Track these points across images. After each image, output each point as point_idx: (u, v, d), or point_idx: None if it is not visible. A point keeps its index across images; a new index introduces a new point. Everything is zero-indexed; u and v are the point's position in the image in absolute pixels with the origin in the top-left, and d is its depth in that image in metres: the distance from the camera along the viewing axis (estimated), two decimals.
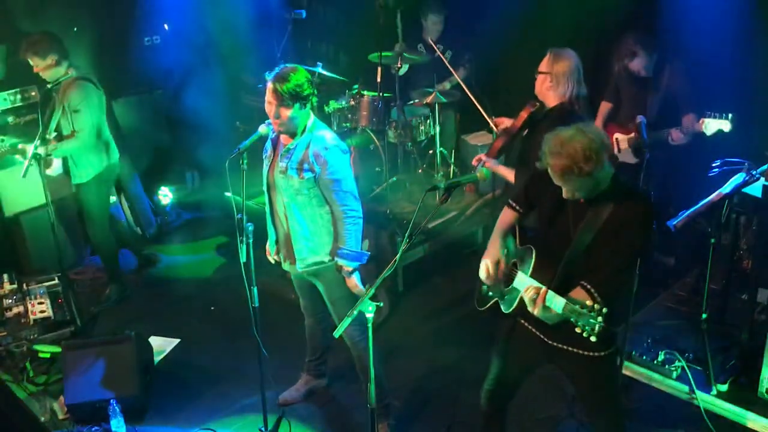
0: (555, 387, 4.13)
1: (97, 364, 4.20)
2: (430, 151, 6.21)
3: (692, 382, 3.73)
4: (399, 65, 5.85)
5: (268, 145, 3.73)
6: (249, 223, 3.42)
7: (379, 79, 5.78)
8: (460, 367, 4.49)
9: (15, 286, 5.08)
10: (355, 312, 2.85)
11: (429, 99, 5.88)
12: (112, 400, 4.02)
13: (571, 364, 3.04)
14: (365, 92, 5.95)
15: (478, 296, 3.31)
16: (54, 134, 4.93)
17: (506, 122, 4.20)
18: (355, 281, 3.69)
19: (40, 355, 4.63)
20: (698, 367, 3.81)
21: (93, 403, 4.09)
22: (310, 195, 3.61)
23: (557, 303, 2.72)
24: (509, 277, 3.06)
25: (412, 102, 6.18)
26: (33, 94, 5.69)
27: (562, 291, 2.75)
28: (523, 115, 3.92)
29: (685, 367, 3.80)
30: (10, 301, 4.94)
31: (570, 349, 2.95)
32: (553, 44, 3.91)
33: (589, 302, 2.64)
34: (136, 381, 4.20)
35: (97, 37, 6.11)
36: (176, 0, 6.49)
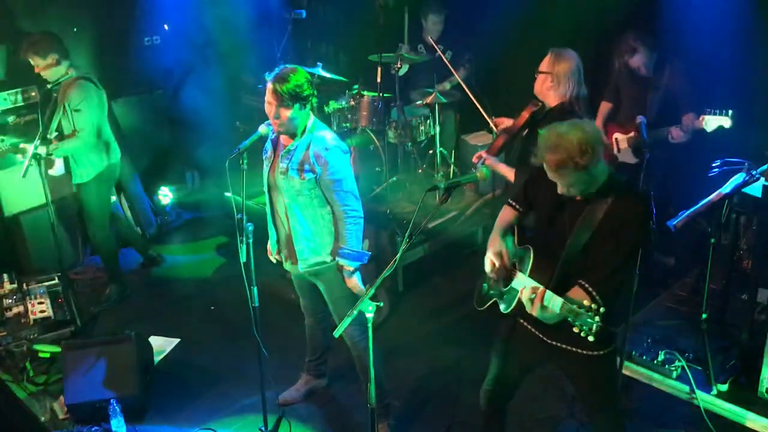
0: (555, 387, 4.13)
1: (97, 364, 4.20)
2: (430, 151, 6.21)
3: (692, 382, 3.73)
4: (399, 65, 5.86)
5: (268, 145, 3.73)
6: (249, 223, 3.42)
7: (379, 79, 5.78)
8: (460, 367, 4.49)
9: (15, 285, 5.09)
10: (355, 312, 2.85)
11: (429, 99, 5.88)
12: (112, 400, 4.03)
13: (570, 363, 3.04)
14: (365, 92, 5.95)
15: (477, 296, 3.31)
16: (55, 134, 4.94)
17: (506, 122, 4.20)
18: (355, 281, 3.69)
19: (40, 355, 4.62)
20: (698, 367, 3.81)
21: (93, 403, 4.09)
22: (311, 195, 3.61)
23: (555, 303, 2.72)
24: (508, 277, 3.06)
25: (413, 103, 6.19)
26: (33, 94, 5.70)
27: (561, 291, 2.76)
28: (525, 114, 3.92)
29: (685, 367, 3.80)
30: (10, 301, 4.95)
31: (569, 348, 2.95)
32: (553, 44, 3.91)
33: (586, 302, 2.64)
34: (136, 381, 4.20)
35: (97, 37, 6.12)
36: (176, 0, 6.49)
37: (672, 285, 4.75)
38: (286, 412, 4.07)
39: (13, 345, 4.63)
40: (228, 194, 6.04)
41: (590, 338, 2.60)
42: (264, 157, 3.74)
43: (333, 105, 6.00)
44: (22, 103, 5.68)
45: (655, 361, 3.87)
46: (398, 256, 2.88)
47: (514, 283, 3.01)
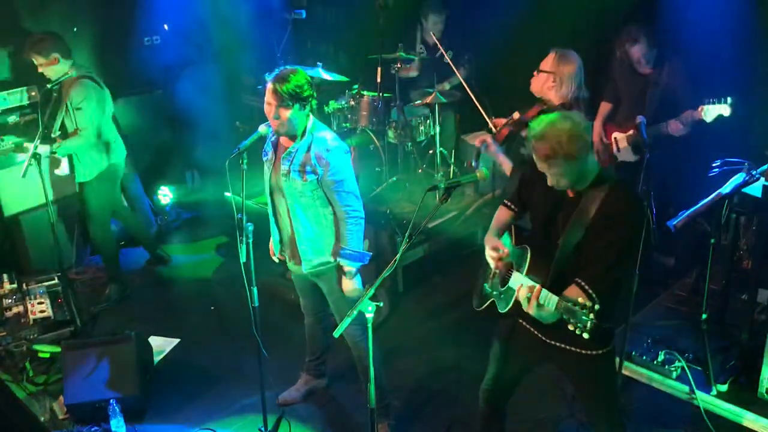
0: (555, 387, 4.13)
1: (97, 364, 4.20)
2: (430, 151, 6.21)
3: (692, 382, 3.73)
4: (399, 66, 5.86)
5: (269, 147, 3.72)
6: (249, 223, 3.42)
7: (379, 79, 5.78)
8: (460, 367, 4.49)
9: (15, 286, 5.09)
10: (355, 312, 2.85)
11: (429, 99, 5.88)
12: (111, 400, 4.02)
13: (569, 363, 3.04)
14: (365, 92, 5.95)
15: (476, 296, 3.31)
16: (58, 133, 4.98)
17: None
18: (354, 284, 3.69)
19: (40, 355, 4.62)
20: (698, 367, 3.81)
21: (93, 403, 4.09)
22: (313, 197, 3.61)
23: (551, 301, 2.73)
24: (505, 277, 3.07)
25: (413, 103, 6.19)
26: (33, 94, 5.70)
27: (557, 289, 2.76)
28: (536, 109, 3.91)
29: (685, 367, 3.80)
30: (10, 301, 4.95)
31: (568, 348, 2.95)
32: (553, 44, 3.91)
33: (581, 299, 2.64)
34: (136, 381, 4.20)
35: (97, 36, 6.13)
36: (176, 0, 6.49)
37: (672, 285, 4.75)
38: (285, 412, 4.07)
39: (13, 345, 4.63)
40: (228, 194, 6.06)
41: (585, 335, 2.59)
42: (264, 159, 3.74)
43: (333, 105, 6.01)
44: (27, 102, 5.69)
45: (655, 362, 3.87)
46: (398, 256, 2.88)
47: (512, 283, 3.01)
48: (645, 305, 4.46)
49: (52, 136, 4.94)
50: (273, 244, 3.92)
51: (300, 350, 4.41)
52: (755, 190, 3.75)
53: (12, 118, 5.62)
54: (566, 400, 4.08)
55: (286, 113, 3.44)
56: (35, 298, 4.92)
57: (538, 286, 2.78)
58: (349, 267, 3.66)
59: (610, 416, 3.14)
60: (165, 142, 6.80)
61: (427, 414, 4.21)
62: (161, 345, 4.92)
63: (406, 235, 2.88)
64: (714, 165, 3.83)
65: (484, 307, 3.22)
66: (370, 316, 2.86)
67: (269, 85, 3.43)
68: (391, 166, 5.99)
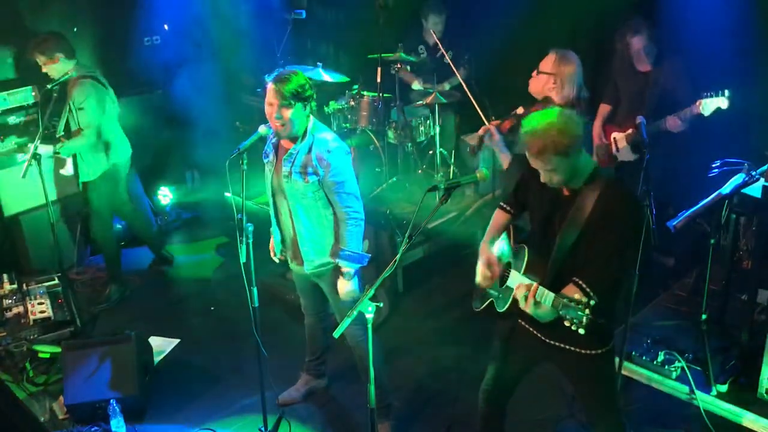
0: (555, 387, 4.12)
1: (97, 364, 4.21)
2: (430, 152, 6.22)
3: (692, 382, 3.73)
4: (399, 67, 5.86)
5: (269, 149, 3.72)
6: (249, 223, 3.42)
7: (379, 80, 5.78)
8: (460, 367, 4.49)
9: (15, 286, 5.09)
10: (355, 312, 2.85)
11: (429, 99, 5.88)
12: (111, 400, 4.02)
13: (569, 363, 3.04)
14: (365, 92, 5.95)
15: (475, 297, 3.31)
16: (62, 133, 5.03)
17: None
18: (351, 286, 3.69)
19: (40, 355, 4.62)
20: (698, 368, 3.81)
21: (93, 404, 4.10)
22: (315, 198, 3.61)
23: (547, 298, 2.73)
24: (503, 277, 3.08)
25: (413, 103, 6.19)
26: (33, 94, 5.70)
27: (555, 289, 2.76)
28: (540, 107, 3.91)
29: (685, 368, 3.79)
30: (10, 301, 4.95)
31: (568, 347, 2.95)
32: (554, 44, 3.91)
33: (577, 296, 2.65)
34: (136, 381, 4.20)
35: (97, 37, 6.13)
36: (176, 0, 6.50)
37: (672, 285, 4.74)
38: (285, 413, 4.07)
39: (13, 345, 4.63)
40: (228, 194, 6.06)
41: (581, 331, 2.59)
42: (265, 161, 3.73)
43: (333, 105, 6.01)
44: (32, 101, 5.69)
45: (655, 362, 3.86)
46: (398, 256, 2.88)
47: (510, 282, 3.02)
48: (645, 305, 4.45)
49: (57, 135, 5.01)
50: (274, 245, 3.92)
51: (300, 350, 4.41)
52: (755, 190, 3.75)
53: (12, 119, 5.61)
54: (566, 400, 4.08)
55: (289, 113, 3.44)
56: (35, 299, 4.92)
57: (535, 284, 2.79)
58: (347, 268, 3.66)
59: (610, 416, 3.14)
60: (165, 142, 6.80)
61: (427, 414, 4.21)
62: (161, 345, 4.92)
63: (406, 235, 2.88)
64: (714, 165, 3.83)
65: (483, 307, 3.23)
66: (370, 316, 2.86)
67: (270, 86, 3.43)
68: (391, 167, 5.99)
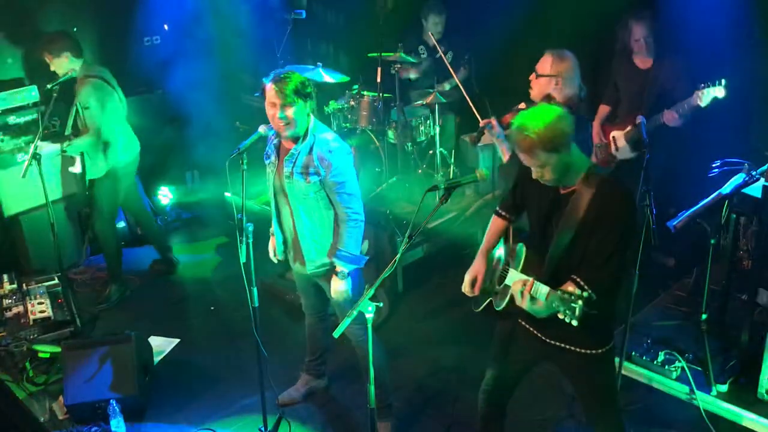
0: (555, 387, 4.12)
1: (97, 364, 4.21)
2: (430, 152, 6.21)
3: (692, 382, 3.73)
4: (399, 67, 5.86)
5: (271, 150, 3.71)
6: (249, 223, 3.42)
7: (379, 80, 5.78)
8: (460, 367, 4.49)
9: (15, 286, 5.10)
10: (355, 312, 2.85)
11: (429, 99, 5.88)
12: (111, 400, 4.03)
13: (569, 363, 3.04)
14: (365, 92, 5.95)
15: (473, 297, 3.31)
16: (70, 131, 5.12)
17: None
18: (344, 285, 3.68)
19: (40, 355, 4.62)
20: (698, 368, 3.81)
21: (93, 404, 4.10)
22: (316, 198, 3.61)
23: (541, 292, 2.73)
24: (502, 276, 3.08)
25: (413, 103, 6.19)
26: (33, 94, 5.70)
27: (553, 287, 2.75)
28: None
29: (685, 368, 3.79)
30: (10, 301, 4.95)
31: (568, 347, 2.95)
32: (554, 44, 3.90)
33: (571, 288, 2.64)
34: (136, 381, 4.20)
35: (97, 37, 6.13)
36: (176, 0, 6.50)
37: (672, 285, 4.74)
38: (285, 413, 4.06)
39: (13, 345, 4.63)
40: (228, 194, 6.06)
41: (574, 323, 2.59)
42: (267, 163, 3.73)
43: (333, 105, 6.01)
44: (33, 101, 5.70)
45: (655, 362, 3.86)
46: (398, 256, 2.88)
47: (508, 281, 3.02)
48: (645, 305, 4.45)
49: (66, 134, 5.10)
50: (276, 246, 3.91)
51: (300, 350, 4.41)
52: (755, 190, 3.74)
53: (12, 119, 5.60)
54: (566, 400, 4.08)
55: (292, 111, 3.44)
56: (35, 299, 4.92)
57: (531, 279, 2.79)
58: (341, 268, 3.66)
59: (609, 416, 3.14)
60: (165, 142, 6.80)
61: (428, 414, 4.21)
62: (161, 345, 4.92)
63: (406, 235, 2.88)
64: (714, 165, 3.83)
65: (482, 306, 3.22)
66: (369, 316, 2.86)
67: (270, 86, 3.43)
68: (391, 167, 5.99)
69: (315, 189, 3.58)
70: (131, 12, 6.35)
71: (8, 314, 4.84)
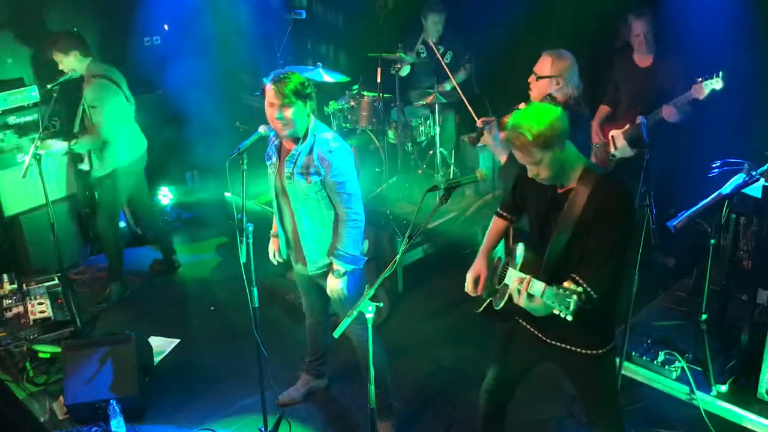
0: (555, 387, 4.13)
1: (97, 364, 4.21)
2: (430, 152, 6.21)
3: (692, 382, 3.73)
4: (399, 66, 5.86)
5: (271, 150, 3.72)
6: (249, 224, 3.42)
7: (378, 80, 5.78)
8: (461, 367, 4.49)
9: (15, 286, 5.10)
10: (355, 312, 2.85)
11: (429, 99, 5.88)
12: (111, 401, 4.03)
13: (569, 362, 3.04)
14: (365, 93, 5.95)
15: (474, 298, 3.31)
16: (78, 129, 5.18)
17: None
18: (340, 284, 3.68)
19: (40, 355, 4.62)
20: (698, 368, 3.81)
21: (93, 404, 4.09)
22: (318, 198, 3.61)
23: (537, 288, 2.73)
24: (501, 276, 3.08)
25: (413, 103, 6.19)
26: (33, 94, 5.70)
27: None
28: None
29: (685, 368, 3.79)
30: (10, 301, 4.95)
31: (568, 347, 2.96)
32: (554, 44, 3.90)
33: (567, 283, 2.65)
34: (136, 381, 4.20)
35: (97, 37, 6.12)
36: (176, 0, 6.50)
37: (672, 285, 4.74)
38: (285, 413, 4.07)
39: (13, 345, 4.63)
40: (228, 195, 6.06)
41: (569, 317, 2.58)
42: (268, 163, 3.73)
43: (333, 105, 6.01)
44: (34, 101, 5.71)
45: (655, 362, 3.86)
46: (398, 256, 2.88)
47: (507, 280, 3.03)
48: (645, 305, 4.45)
49: (74, 131, 5.16)
50: (279, 247, 3.91)
51: (300, 350, 4.41)
52: (755, 190, 3.75)
53: (12, 119, 5.60)
54: (566, 400, 4.09)
55: (290, 112, 3.44)
56: (35, 299, 4.92)
57: (528, 276, 2.79)
58: (338, 266, 3.66)
59: (610, 416, 3.14)
60: (165, 142, 6.80)
61: (428, 414, 4.21)
62: (161, 345, 4.92)
63: (406, 235, 2.88)
64: (714, 165, 3.83)
65: (483, 307, 3.22)
66: (370, 316, 2.86)
67: (269, 87, 3.43)
68: (391, 167, 5.99)
69: (316, 189, 3.58)
70: (131, 12, 6.35)
71: (8, 314, 4.84)
